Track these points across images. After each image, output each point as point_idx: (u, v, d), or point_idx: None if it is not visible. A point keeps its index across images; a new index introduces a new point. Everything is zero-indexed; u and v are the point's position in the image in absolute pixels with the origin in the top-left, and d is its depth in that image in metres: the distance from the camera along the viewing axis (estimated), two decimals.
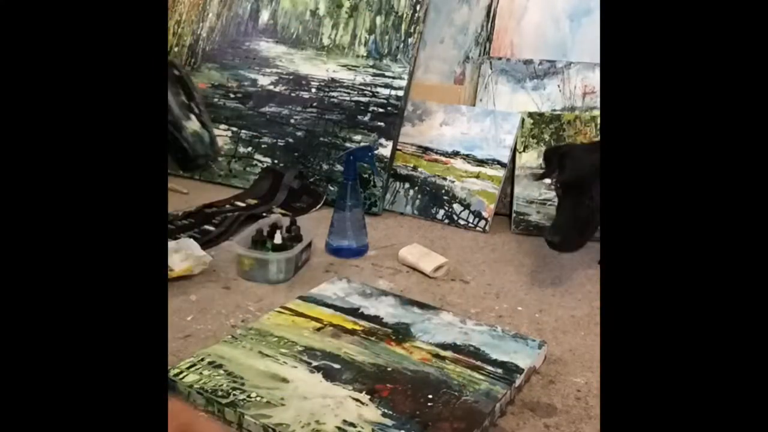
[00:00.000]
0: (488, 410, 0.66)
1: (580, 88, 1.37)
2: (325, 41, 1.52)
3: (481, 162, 1.37)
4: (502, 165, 1.35)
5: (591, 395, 0.74)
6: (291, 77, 1.54)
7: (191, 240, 1.03)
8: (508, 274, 1.10)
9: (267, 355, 0.74)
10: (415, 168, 1.44)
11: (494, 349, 0.78)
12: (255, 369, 0.71)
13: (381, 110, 1.44)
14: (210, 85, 1.63)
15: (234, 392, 0.67)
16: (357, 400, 0.67)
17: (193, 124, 0.64)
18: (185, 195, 1.44)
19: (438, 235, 1.30)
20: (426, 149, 1.44)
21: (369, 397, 0.67)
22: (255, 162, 1.54)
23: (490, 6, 1.47)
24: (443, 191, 1.39)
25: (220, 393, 0.67)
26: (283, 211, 1.33)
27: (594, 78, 1.36)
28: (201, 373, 0.70)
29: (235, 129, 1.58)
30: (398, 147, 1.45)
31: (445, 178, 1.40)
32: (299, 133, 1.51)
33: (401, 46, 1.44)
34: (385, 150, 1.41)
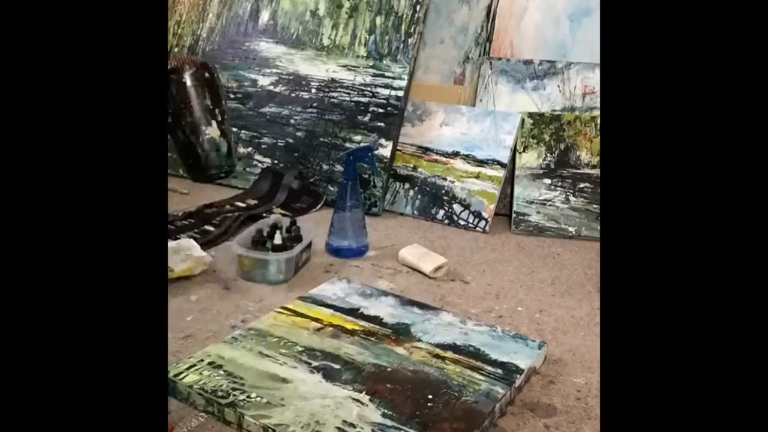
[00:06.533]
0: (488, 410, 0.66)
1: (580, 88, 1.37)
2: (325, 41, 1.52)
3: (481, 162, 1.37)
4: (502, 165, 1.35)
5: (591, 395, 0.74)
6: (291, 77, 1.55)
7: (191, 240, 1.03)
8: (508, 274, 1.10)
9: (267, 356, 0.74)
10: (415, 168, 1.44)
11: (494, 349, 0.78)
12: (255, 369, 0.71)
13: (381, 110, 1.44)
14: None
15: (234, 393, 0.67)
16: (357, 400, 0.67)
17: (213, 131, 0.57)
18: (185, 195, 1.44)
19: (438, 235, 1.30)
20: (426, 149, 1.44)
21: (369, 397, 0.67)
22: (255, 162, 1.54)
23: (490, 6, 1.47)
24: (443, 191, 1.39)
25: (220, 393, 0.67)
26: (283, 212, 1.33)
27: (594, 78, 1.36)
28: (201, 374, 0.70)
29: (235, 129, 1.58)
30: (398, 147, 1.45)
31: (445, 179, 1.40)
32: (299, 134, 1.51)
33: (401, 46, 1.44)
34: (385, 150, 1.42)
